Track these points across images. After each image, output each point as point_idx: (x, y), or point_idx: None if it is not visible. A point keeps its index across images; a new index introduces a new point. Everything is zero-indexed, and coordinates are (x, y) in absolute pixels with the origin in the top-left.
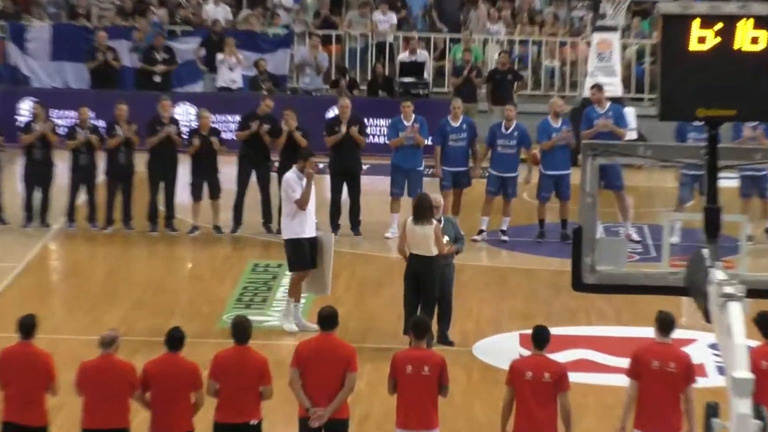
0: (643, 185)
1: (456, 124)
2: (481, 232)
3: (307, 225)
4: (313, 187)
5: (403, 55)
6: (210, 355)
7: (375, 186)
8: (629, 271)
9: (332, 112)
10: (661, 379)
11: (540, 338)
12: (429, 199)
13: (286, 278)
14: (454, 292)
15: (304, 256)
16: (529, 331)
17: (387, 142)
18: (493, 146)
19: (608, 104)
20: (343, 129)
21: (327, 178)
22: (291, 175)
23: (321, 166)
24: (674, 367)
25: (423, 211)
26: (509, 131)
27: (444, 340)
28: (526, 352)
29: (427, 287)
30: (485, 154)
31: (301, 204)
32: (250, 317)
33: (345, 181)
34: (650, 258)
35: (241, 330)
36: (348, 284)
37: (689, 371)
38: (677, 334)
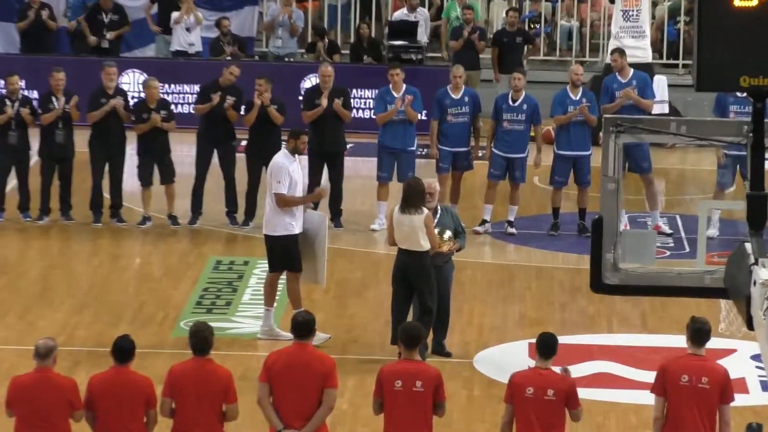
0: (675, 168)
1: (456, 95)
2: (483, 222)
3: (297, 219)
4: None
5: (400, 13)
6: (164, 368)
7: (359, 169)
8: (658, 270)
9: (310, 82)
10: (691, 397)
11: (545, 347)
12: (421, 184)
13: (255, 278)
14: (452, 293)
15: (295, 256)
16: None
17: (373, 117)
18: (498, 121)
19: (631, 72)
20: (325, 102)
21: (304, 158)
22: (281, 159)
23: None
24: (707, 383)
25: (412, 198)
26: (517, 103)
27: (440, 350)
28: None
29: (420, 288)
30: (490, 131)
31: (284, 203)
32: (212, 324)
33: (325, 162)
34: (683, 254)
35: (201, 339)
36: (327, 285)
37: (725, 388)
38: (713, 343)
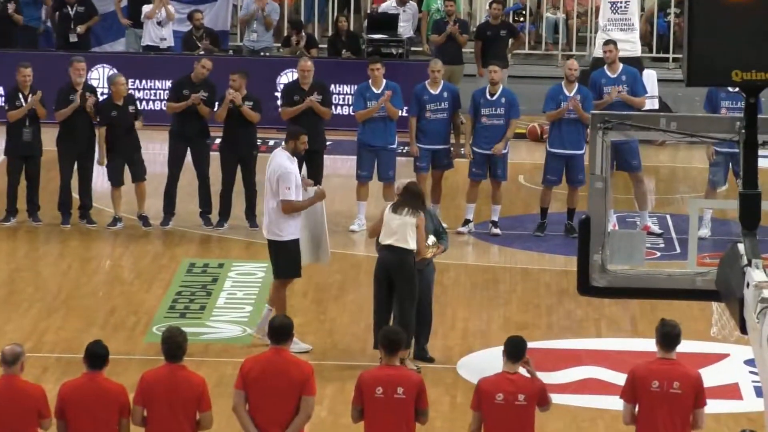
0: (665, 166)
1: (435, 91)
2: (466, 222)
3: (298, 222)
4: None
5: (387, 5)
6: (136, 375)
7: (337, 168)
8: (648, 271)
9: (287, 77)
10: (663, 403)
11: (513, 350)
12: (420, 189)
13: (230, 281)
14: (435, 296)
15: (298, 261)
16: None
17: (352, 114)
18: (476, 117)
19: (621, 67)
20: (307, 98)
21: None
22: (287, 163)
23: (271, 143)
24: (679, 388)
25: (410, 200)
26: (495, 97)
27: (422, 355)
28: (523, 370)
29: (404, 288)
30: (469, 128)
31: (292, 209)
32: (186, 329)
33: (304, 160)
34: (674, 255)
35: (174, 345)
36: (304, 289)
37: (699, 392)
38: (706, 347)
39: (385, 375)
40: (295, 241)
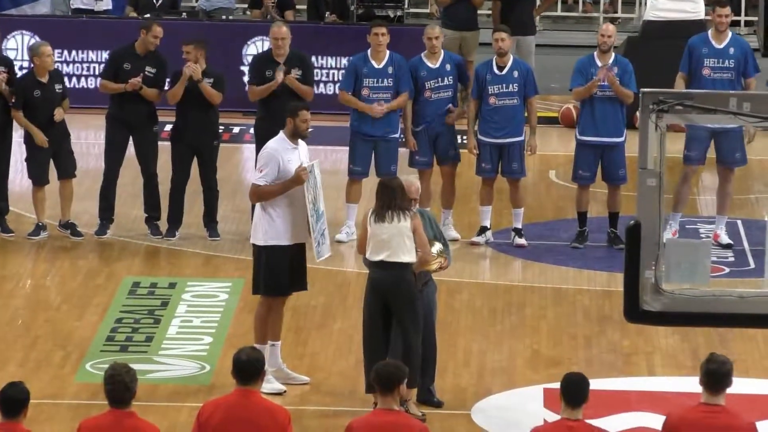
0: None
1: (434, 64)
2: (483, 230)
3: (293, 224)
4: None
5: None
6: (64, 423)
7: (322, 161)
8: (714, 292)
9: (256, 47)
10: None
11: (573, 392)
12: (399, 181)
13: (184, 305)
14: (442, 324)
15: (282, 277)
16: (558, 385)
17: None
18: (481, 98)
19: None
20: (280, 75)
21: (249, 148)
22: (272, 144)
23: (236, 130)
24: None
25: (391, 199)
26: (504, 71)
27: (427, 398)
28: (554, 416)
29: (405, 312)
30: (473, 112)
31: (256, 196)
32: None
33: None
34: (746, 271)
35: (120, 386)
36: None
37: None
38: None
39: (381, 423)
40: (279, 249)
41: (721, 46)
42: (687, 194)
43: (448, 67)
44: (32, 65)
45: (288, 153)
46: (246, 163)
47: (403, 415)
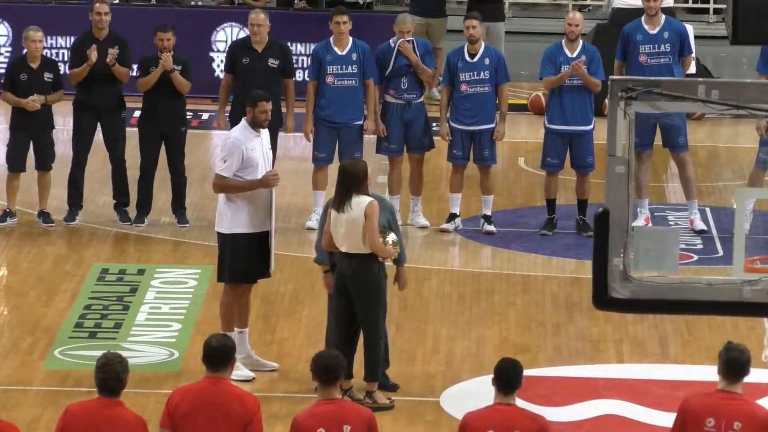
0: (705, 146)
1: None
2: (452, 217)
3: (257, 212)
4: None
5: None
6: (32, 411)
7: (289, 148)
8: (682, 279)
9: (225, 33)
10: None
11: (506, 378)
12: (360, 165)
13: (154, 291)
14: (410, 311)
15: (246, 265)
16: (528, 373)
17: (307, 79)
18: (453, 85)
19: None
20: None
21: (219, 134)
22: (234, 133)
23: (205, 117)
24: (741, 429)
25: (349, 186)
26: (476, 59)
27: (383, 383)
28: (526, 404)
29: (368, 300)
30: (444, 99)
31: (219, 187)
32: (91, 353)
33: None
34: (715, 258)
35: (111, 375)
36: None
37: None
38: (754, 377)
39: (326, 412)
40: (244, 237)
41: (655, 32)
42: (646, 179)
43: (413, 51)
44: (26, 51)
45: (251, 141)
46: (215, 149)
47: (346, 402)
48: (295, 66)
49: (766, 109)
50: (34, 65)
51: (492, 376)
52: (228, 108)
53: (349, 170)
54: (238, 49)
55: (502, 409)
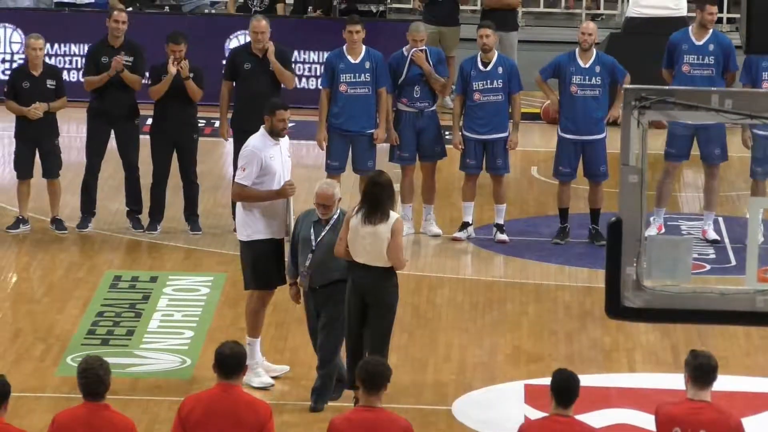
0: None
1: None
2: (465, 226)
3: (273, 220)
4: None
5: None
6: (45, 417)
7: (302, 156)
8: (695, 289)
9: (237, 41)
10: None
11: (565, 390)
12: (388, 177)
13: (166, 299)
14: (423, 320)
15: (267, 269)
16: (540, 382)
17: (320, 87)
18: (466, 94)
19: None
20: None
21: (230, 142)
22: (253, 141)
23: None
24: None
25: (382, 197)
26: (489, 68)
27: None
28: (538, 413)
29: (379, 315)
30: (458, 108)
31: (239, 196)
32: (109, 360)
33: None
34: (728, 268)
35: (94, 379)
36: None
37: None
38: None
39: (364, 420)
40: (263, 243)
41: (701, 43)
42: (669, 190)
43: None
44: (26, 59)
45: (269, 149)
46: (227, 157)
47: (385, 412)
48: (309, 74)
49: None
50: (36, 73)
51: (507, 385)
52: (229, 115)
53: (381, 182)
54: (239, 55)
55: (561, 421)
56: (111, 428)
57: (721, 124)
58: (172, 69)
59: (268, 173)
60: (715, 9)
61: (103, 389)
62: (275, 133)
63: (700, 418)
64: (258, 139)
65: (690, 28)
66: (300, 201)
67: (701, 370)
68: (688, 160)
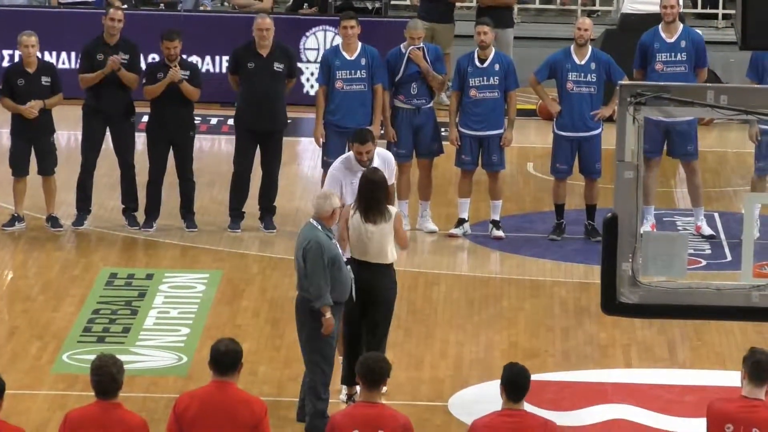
0: (713, 151)
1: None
2: (460, 222)
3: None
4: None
5: None
6: (41, 414)
7: (298, 153)
8: (691, 285)
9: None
10: None
11: (516, 385)
12: (382, 174)
13: (162, 296)
14: (419, 316)
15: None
16: (536, 378)
17: (316, 86)
18: (462, 90)
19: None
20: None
21: (227, 139)
22: (336, 164)
23: (213, 121)
24: None
25: (379, 194)
26: (486, 64)
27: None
28: (535, 410)
29: (380, 314)
30: (454, 104)
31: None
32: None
33: (258, 143)
34: (724, 264)
35: (107, 377)
36: (256, 305)
37: None
38: None
39: (363, 415)
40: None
41: (673, 40)
42: (653, 186)
43: (424, 57)
44: (20, 56)
45: (352, 176)
46: (223, 154)
47: (385, 408)
48: (304, 71)
49: None
50: (31, 70)
51: (499, 381)
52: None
53: (376, 179)
54: (242, 54)
55: (512, 414)
56: (123, 427)
57: (692, 120)
58: (171, 72)
59: (346, 199)
60: (671, 3)
61: (116, 387)
62: (358, 162)
63: (754, 416)
64: (344, 162)
65: (659, 27)
66: (296, 198)
67: (759, 368)
68: (660, 157)
